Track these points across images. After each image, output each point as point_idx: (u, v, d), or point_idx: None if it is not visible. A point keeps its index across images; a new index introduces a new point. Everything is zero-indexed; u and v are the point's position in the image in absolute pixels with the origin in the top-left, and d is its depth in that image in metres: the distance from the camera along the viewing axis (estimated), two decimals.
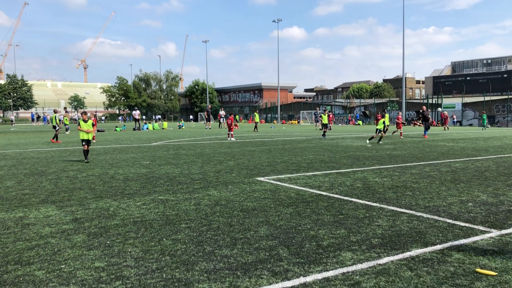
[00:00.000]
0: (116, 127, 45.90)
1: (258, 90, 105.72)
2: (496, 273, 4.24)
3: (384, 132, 26.68)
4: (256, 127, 38.07)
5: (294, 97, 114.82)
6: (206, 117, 48.36)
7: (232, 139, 24.84)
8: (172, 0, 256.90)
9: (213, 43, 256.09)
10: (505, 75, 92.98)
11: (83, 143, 13.92)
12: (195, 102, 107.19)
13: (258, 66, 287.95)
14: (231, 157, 15.16)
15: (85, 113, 14.49)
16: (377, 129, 22.53)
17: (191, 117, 77.92)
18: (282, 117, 79.23)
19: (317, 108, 42.90)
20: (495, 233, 5.64)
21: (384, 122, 22.54)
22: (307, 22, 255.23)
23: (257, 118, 39.70)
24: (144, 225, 6.14)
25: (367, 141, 22.08)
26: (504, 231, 5.71)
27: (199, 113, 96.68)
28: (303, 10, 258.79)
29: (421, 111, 29.56)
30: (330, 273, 4.29)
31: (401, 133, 26.93)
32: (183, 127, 46.74)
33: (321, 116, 28.63)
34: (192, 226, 6.04)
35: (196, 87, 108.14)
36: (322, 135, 26.32)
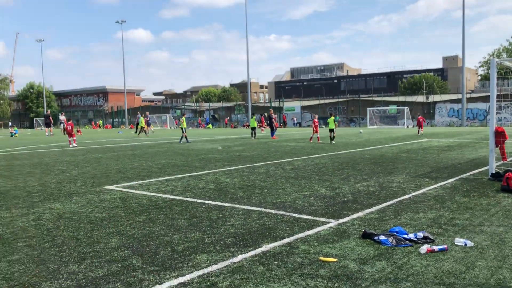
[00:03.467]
0: None
1: (102, 93, 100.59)
2: (336, 259, 4.69)
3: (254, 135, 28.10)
4: (144, 131, 35.83)
5: (142, 101, 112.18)
6: (47, 122, 44.10)
7: (74, 145, 23.09)
8: None
9: (50, 43, 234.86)
10: (335, 81, 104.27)
11: None
12: (30, 107, 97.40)
13: (102, 68, 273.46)
14: (75, 165, 14.10)
15: None
16: (330, 129, 23.20)
17: (9, 124, 66.69)
18: (130, 121, 76.61)
19: (138, 113, 41.99)
20: (333, 223, 6.23)
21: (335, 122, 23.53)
22: (153, 24, 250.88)
23: (142, 123, 36.94)
24: None
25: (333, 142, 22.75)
26: (341, 220, 6.35)
27: (35, 119, 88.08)
28: (148, 12, 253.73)
29: (266, 114, 31.41)
30: (186, 278, 4.25)
31: (318, 137, 24.36)
32: (16, 135, 42.01)
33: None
34: (32, 244, 5.43)
35: (31, 90, 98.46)
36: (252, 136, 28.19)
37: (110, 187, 9.71)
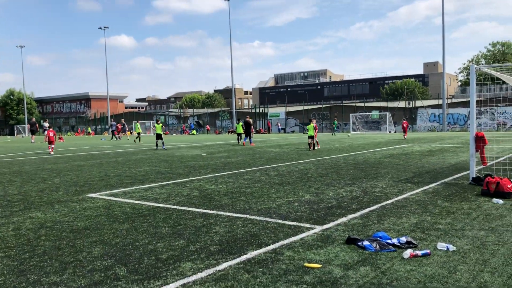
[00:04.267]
0: None
1: (85, 100, 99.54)
2: (321, 265, 4.70)
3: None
4: (139, 138, 35.96)
5: (126, 107, 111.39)
6: (33, 129, 43.70)
7: (51, 153, 22.85)
8: None
9: (31, 49, 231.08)
10: (319, 87, 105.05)
11: None
12: (11, 114, 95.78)
13: (85, 75, 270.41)
14: (57, 173, 13.89)
15: None
16: (310, 136, 22.07)
17: None
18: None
19: (112, 120, 42.68)
20: (318, 228, 6.26)
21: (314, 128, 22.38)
22: (136, 31, 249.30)
23: (138, 129, 37.04)
24: None
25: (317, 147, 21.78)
26: (325, 226, 6.38)
27: (15, 126, 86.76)
28: (131, 19, 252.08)
29: (251, 120, 31.08)
30: (171, 286, 4.21)
31: (317, 142, 23.57)
32: None
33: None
34: (12, 255, 5.32)
35: (11, 97, 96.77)
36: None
37: (93, 195, 9.59)
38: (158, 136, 25.71)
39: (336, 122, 49.61)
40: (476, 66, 10.18)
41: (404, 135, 32.98)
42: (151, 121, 70.28)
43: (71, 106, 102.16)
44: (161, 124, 26.52)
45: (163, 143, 25.56)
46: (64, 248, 5.57)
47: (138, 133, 36.83)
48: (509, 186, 8.31)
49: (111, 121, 41.20)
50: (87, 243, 5.77)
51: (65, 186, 11.04)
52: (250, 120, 29.69)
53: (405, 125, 33.41)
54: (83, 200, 9.00)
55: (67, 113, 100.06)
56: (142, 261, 4.99)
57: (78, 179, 12.24)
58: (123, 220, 7.04)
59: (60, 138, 42.69)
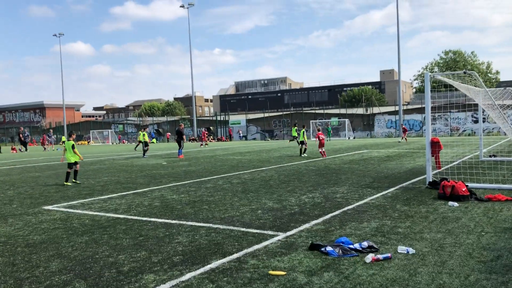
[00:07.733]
0: None
1: (39, 109, 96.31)
2: (285, 272, 4.71)
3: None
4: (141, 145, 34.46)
5: (83, 116, 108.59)
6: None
7: None
8: None
9: None
10: (279, 94, 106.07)
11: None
12: None
13: (39, 83, 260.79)
14: (10, 185, 13.32)
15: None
16: (300, 142, 22.48)
17: None
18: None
19: (21, 128, 43.12)
20: (281, 235, 6.28)
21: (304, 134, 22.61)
22: (93, 38, 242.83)
23: (141, 137, 32.10)
24: None
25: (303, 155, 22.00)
26: (288, 233, 6.41)
27: None
28: (87, 26, 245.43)
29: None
30: None
31: (322, 152, 21.12)
32: None
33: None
34: None
35: None
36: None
37: (49, 207, 9.25)
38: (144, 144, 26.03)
39: (330, 128, 50.21)
40: (430, 73, 10.56)
41: (404, 138, 35.51)
42: (109, 130, 68.97)
43: (24, 115, 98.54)
44: (144, 133, 26.78)
45: (144, 152, 25.53)
46: (19, 263, 5.33)
47: (145, 142, 32.16)
48: (463, 189, 8.65)
49: (23, 130, 42.20)
50: (44, 257, 5.55)
51: (19, 198, 10.60)
52: (182, 129, 26.00)
53: (405, 128, 37.35)
54: (39, 212, 8.66)
55: (20, 122, 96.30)
56: (102, 274, 4.84)
57: (33, 191, 11.78)
58: (82, 233, 6.82)
59: (13, 149, 41.09)
